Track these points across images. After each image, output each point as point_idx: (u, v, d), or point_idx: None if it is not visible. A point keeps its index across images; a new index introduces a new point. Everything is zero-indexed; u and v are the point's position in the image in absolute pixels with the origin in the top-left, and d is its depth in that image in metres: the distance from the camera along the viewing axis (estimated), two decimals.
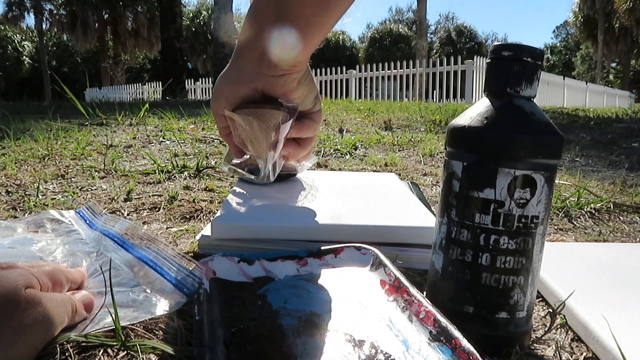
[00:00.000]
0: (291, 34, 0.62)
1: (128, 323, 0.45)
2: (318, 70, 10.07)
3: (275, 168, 0.74)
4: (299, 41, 0.62)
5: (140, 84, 14.72)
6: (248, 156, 0.76)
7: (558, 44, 40.39)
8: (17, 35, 27.61)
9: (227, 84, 0.70)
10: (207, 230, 0.69)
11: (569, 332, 0.51)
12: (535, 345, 0.49)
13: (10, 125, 1.87)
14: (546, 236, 0.48)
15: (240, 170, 0.80)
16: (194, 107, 3.47)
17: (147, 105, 2.33)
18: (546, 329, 0.52)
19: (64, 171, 1.21)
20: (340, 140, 1.94)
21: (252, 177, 0.79)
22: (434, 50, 32.56)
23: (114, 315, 0.43)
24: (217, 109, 0.72)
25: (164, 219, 0.85)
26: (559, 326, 0.52)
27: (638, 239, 0.88)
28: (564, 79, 11.88)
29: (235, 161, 0.78)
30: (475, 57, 8.42)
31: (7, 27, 25.50)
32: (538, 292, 0.59)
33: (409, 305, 0.49)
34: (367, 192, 0.89)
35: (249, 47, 0.66)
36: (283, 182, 0.94)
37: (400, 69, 9.13)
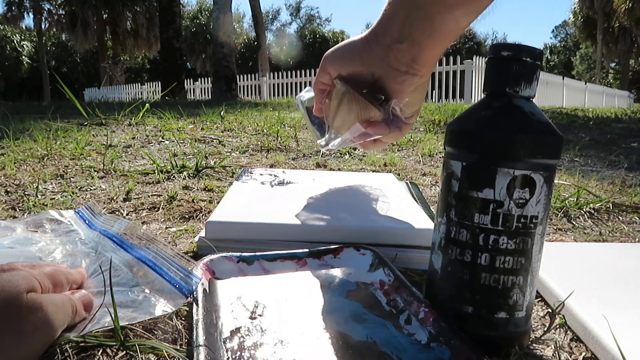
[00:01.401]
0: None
1: (127, 323, 0.45)
2: (317, 70, 10.05)
3: (339, 145, 0.74)
4: (432, 33, 0.61)
5: (139, 84, 14.72)
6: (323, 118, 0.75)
7: (557, 44, 40.41)
8: (17, 35, 27.59)
9: (352, 53, 0.68)
10: (204, 232, 0.69)
11: (568, 332, 0.51)
12: (534, 345, 0.49)
13: (10, 125, 1.87)
14: (545, 236, 0.48)
15: (307, 115, 0.80)
16: (193, 107, 3.47)
17: (147, 107, 2.33)
18: (545, 329, 0.52)
19: (63, 171, 1.21)
20: None
21: (317, 135, 0.77)
22: None
23: (113, 315, 0.43)
24: (329, 67, 0.70)
25: (163, 219, 0.85)
26: (558, 326, 0.52)
27: (637, 239, 0.88)
28: (563, 79, 11.88)
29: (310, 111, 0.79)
30: (474, 57, 8.41)
31: (6, 27, 25.49)
32: (537, 292, 0.59)
33: (408, 306, 0.49)
34: (365, 193, 0.89)
35: (385, 30, 0.64)
36: (284, 186, 0.94)
37: None
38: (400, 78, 0.65)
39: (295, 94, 10.04)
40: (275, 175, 1.00)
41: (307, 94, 0.86)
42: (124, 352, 0.43)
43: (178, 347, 0.44)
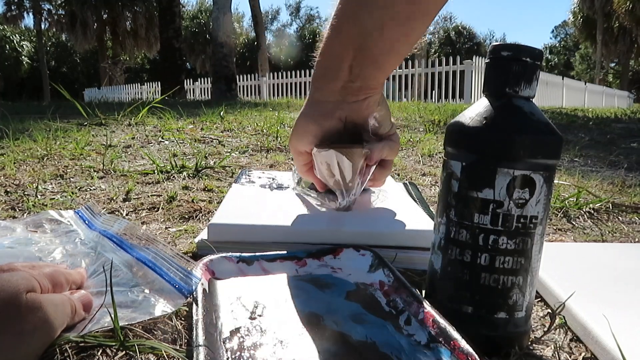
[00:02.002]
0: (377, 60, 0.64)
1: (127, 323, 0.45)
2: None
3: (357, 195, 0.75)
4: (381, 66, 0.65)
5: (139, 84, 14.71)
6: (329, 187, 0.76)
7: (557, 44, 40.40)
8: (16, 35, 27.59)
9: (311, 120, 0.70)
10: (205, 233, 0.69)
11: (568, 332, 0.51)
12: (534, 345, 0.49)
13: (9, 125, 1.87)
14: (545, 236, 0.48)
15: (314, 196, 0.81)
16: (193, 107, 3.47)
17: (147, 108, 2.33)
18: (545, 329, 0.52)
19: (63, 171, 1.21)
20: None
21: (332, 205, 0.77)
22: (433, 51, 32.54)
23: (112, 315, 0.43)
24: (299, 147, 0.73)
25: (162, 219, 0.85)
26: (558, 326, 0.52)
27: (637, 239, 0.88)
28: (562, 79, 11.89)
29: (314, 192, 0.81)
30: (474, 57, 8.42)
31: (6, 27, 25.49)
32: (537, 292, 0.59)
33: (408, 306, 0.49)
34: (364, 195, 0.89)
35: (329, 79, 0.67)
36: (283, 189, 0.94)
37: (399, 69, 9.12)
38: (364, 105, 0.68)
39: (295, 94, 10.06)
40: (273, 178, 1.00)
41: (298, 185, 0.88)
42: (124, 352, 0.43)
43: (178, 347, 0.44)
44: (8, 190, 1.00)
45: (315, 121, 0.70)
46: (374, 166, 0.73)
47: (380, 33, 0.61)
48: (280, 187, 0.93)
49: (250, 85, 11.48)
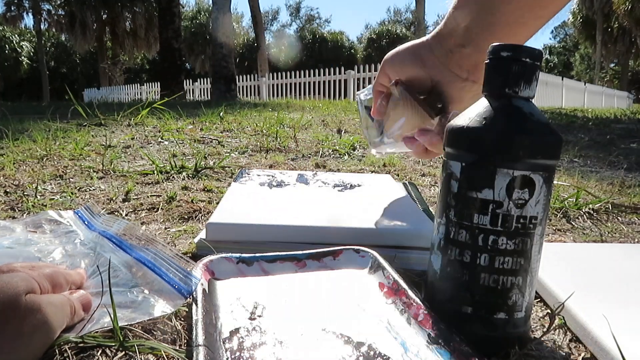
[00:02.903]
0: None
1: (126, 323, 0.45)
2: (316, 70, 10.07)
3: (390, 150, 0.74)
4: (500, 37, 0.60)
5: (138, 84, 14.72)
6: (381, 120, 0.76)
7: (556, 45, 40.41)
8: (16, 35, 27.56)
9: (413, 55, 0.67)
10: (204, 233, 0.69)
11: (568, 332, 0.51)
12: (533, 345, 0.49)
13: (9, 125, 1.87)
14: (545, 237, 0.48)
15: (368, 116, 0.79)
16: (193, 107, 3.47)
17: (147, 109, 2.33)
18: (545, 329, 0.52)
19: (63, 171, 1.21)
20: (338, 140, 1.94)
21: (372, 136, 0.77)
22: None
23: (112, 316, 0.43)
24: (388, 69, 0.70)
25: (162, 220, 0.85)
26: (557, 327, 0.52)
27: (636, 240, 0.88)
28: (562, 79, 11.89)
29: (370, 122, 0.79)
30: None
31: (5, 27, 25.47)
32: (536, 292, 0.59)
33: (407, 308, 0.49)
34: (364, 194, 0.89)
35: (449, 33, 0.64)
36: (282, 187, 0.94)
37: None
38: (459, 84, 0.65)
39: (295, 95, 10.06)
40: (272, 176, 1.00)
41: (365, 94, 0.86)
42: (123, 352, 0.43)
43: (177, 348, 0.44)
44: (7, 190, 1.00)
45: (414, 60, 0.67)
46: (416, 141, 0.70)
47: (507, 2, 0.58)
48: (279, 184, 0.93)
49: (250, 86, 11.48)
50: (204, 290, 0.50)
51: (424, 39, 0.67)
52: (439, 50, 0.65)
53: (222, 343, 0.43)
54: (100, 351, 0.43)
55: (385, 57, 0.72)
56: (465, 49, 0.62)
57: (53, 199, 0.96)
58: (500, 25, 0.61)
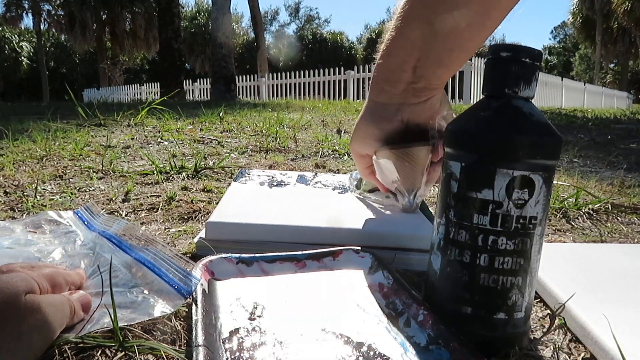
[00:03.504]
0: (445, 54, 0.62)
1: (126, 324, 0.45)
2: (316, 71, 10.08)
3: (422, 195, 0.75)
4: (447, 65, 0.64)
5: (138, 85, 14.72)
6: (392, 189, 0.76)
7: (556, 45, 40.43)
8: (15, 35, 27.56)
9: (371, 124, 0.69)
10: (203, 232, 0.69)
11: (568, 332, 0.51)
12: (533, 346, 0.49)
13: (9, 125, 1.87)
14: (544, 237, 0.48)
15: (376, 199, 0.82)
16: (192, 107, 3.47)
17: (146, 109, 2.33)
18: (545, 329, 0.52)
19: (62, 172, 1.21)
20: (338, 141, 1.94)
21: (397, 203, 0.77)
22: None
23: (112, 316, 0.43)
24: (361, 151, 0.73)
25: (162, 220, 0.85)
26: (557, 327, 0.52)
27: (636, 240, 0.88)
28: (562, 79, 11.89)
29: (375, 194, 0.82)
30: (473, 58, 8.42)
31: (5, 27, 25.47)
32: (536, 293, 0.59)
33: (407, 308, 0.49)
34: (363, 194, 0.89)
35: (391, 82, 0.66)
36: (282, 187, 0.94)
37: None
38: (426, 106, 0.66)
39: (294, 95, 10.06)
40: (272, 177, 1.00)
41: (355, 185, 0.89)
42: (123, 352, 0.43)
43: (177, 348, 0.44)
44: (7, 190, 1.00)
45: (376, 125, 0.69)
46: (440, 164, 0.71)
47: (448, 34, 0.60)
48: (279, 184, 0.93)
49: (250, 86, 11.48)
50: (203, 290, 0.50)
51: (365, 107, 0.71)
52: (391, 99, 0.67)
53: (221, 343, 0.43)
54: (100, 351, 0.43)
55: (350, 147, 0.76)
56: (418, 84, 0.64)
57: (53, 199, 0.96)
58: (445, 58, 0.63)
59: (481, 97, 0.49)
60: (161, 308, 0.47)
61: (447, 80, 0.67)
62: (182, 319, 0.49)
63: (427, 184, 0.73)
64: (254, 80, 11.46)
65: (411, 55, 0.62)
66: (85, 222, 0.70)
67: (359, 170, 0.77)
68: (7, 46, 26.69)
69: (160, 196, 0.99)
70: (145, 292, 0.50)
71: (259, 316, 0.48)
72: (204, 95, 12.23)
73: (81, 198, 0.98)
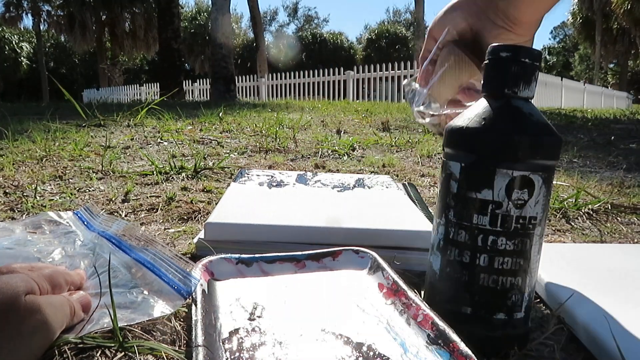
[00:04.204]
0: None
1: (125, 324, 0.45)
2: (315, 71, 10.07)
3: (441, 119, 0.69)
4: None
5: (138, 85, 14.71)
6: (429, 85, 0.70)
7: (556, 45, 40.43)
8: (15, 36, 27.55)
9: (455, 8, 0.65)
10: (203, 233, 0.69)
11: (567, 333, 0.51)
12: (533, 346, 0.49)
13: (8, 126, 1.87)
14: (544, 237, 0.48)
15: (414, 95, 0.73)
16: (192, 108, 3.47)
17: (146, 110, 2.33)
18: (544, 329, 0.52)
19: (62, 172, 1.21)
20: (338, 141, 1.94)
21: (423, 110, 0.70)
22: None
23: (111, 316, 0.43)
24: (434, 32, 0.68)
25: (161, 220, 0.85)
26: (557, 327, 0.52)
27: (636, 240, 0.88)
28: (561, 79, 11.89)
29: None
30: None
31: (4, 28, 25.46)
32: (536, 293, 0.59)
33: (406, 308, 0.49)
34: (363, 195, 0.89)
35: None
36: (282, 187, 0.94)
37: (398, 70, 9.13)
38: (495, 31, 0.62)
39: (294, 95, 10.06)
40: (272, 176, 1.00)
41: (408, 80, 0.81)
42: (123, 353, 0.43)
43: (177, 348, 0.44)
44: (7, 191, 1.00)
45: (455, 11, 0.65)
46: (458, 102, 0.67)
47: None
48: (279, 184, 0.93)
49: (249, 86, 11.47)
50: (203, 290, 0.50)
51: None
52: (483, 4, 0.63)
53: (221, 344, 0.43)
54: (99, 352, 0.43)
55: (436, 16, 0.70)
56: (502, 1, 0.61)
57: (52, 199, 0.96)
58: None
59: (481, 98, 0.49)
60: (161, 308, 0.47)
61: (528, 22, 0.62)
62: (181, 320, 0.49)
63: (449, 103, 0.68)
64: (253, 80, 11.46)
65: None
66: (85, 223, 0.70)
67: (423, 49, 0.71)
68: (6, 46, 26.69)
69: (160, 196, 0.99)
70: (145, 292, 0.50)
71: (259, 316, 0.48)
72: (203, 95, 12.22)
73: (81, 198, 0.98)
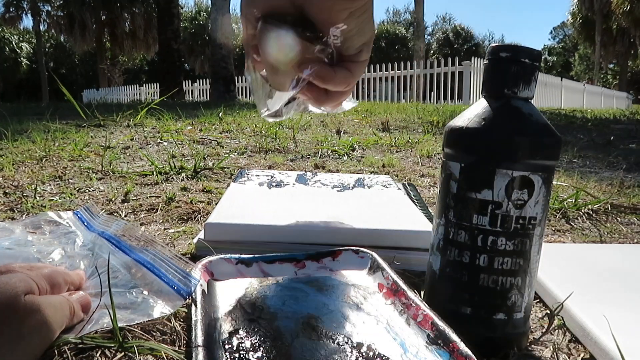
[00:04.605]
0: None
1: (125, 324, 0.45)
2: None
3: (291, 106, 0.60)
4: None
5: (137, 85, 14.71)
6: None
7: (556, 45, 40.46)
8: (15, 36, 27.57)
9: None
10: (203, 234, 0.69)
11: (567, 333, 0.51)
12: (533, 346, 0.49)
13: (8, 126, 1.87)
14: (544, 237, 0.48)
15: (257, 87, 0.62)
16: (192, 108, 3.47)
17: (145, 110, 2.33)
18: (544, 330, 0.52)
19: (62, 172, 1.21)
20: (337, 141, 1.94)
21: (265, 108, 0.61)
22: (432, 52, 32.55)
23: (111, 316, 0.43)
24: (248, 10, 0.56)
25: (161, 220, 0.85)
26: (556, 327, 0.52)
27: (635, 240, 0.88)
28: (561, 80, 11.90)
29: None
30: (472, 58, 8.42)
31: (4, 28, 25.46)
32: (536, 293, 0.59)
33: (406, 309, 0.49)
34: (363, 195, 0.89)
35: None
36: (281, 187, 0.94)
37: (398, 70, 9.14)
38: (327, 3, 0.51)
39: None
40: (272, 176, 1.00)
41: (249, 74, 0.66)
42: (123, 353, 0.43)
43: (177, 349, 0.44)
44: (7, 191, 1.00)
45: None
46: (304, 80, 0.56)
47: None
48: (279, 184, 0.93)
49: (249, 87, 11.45)
50: (203, 291, 0.50)
51: None
52: None
53: (221, 344, 0.43)
54: (99, 352, 0.43)
55: (242, 2, 0.58)
56: None
57: (52, 200, 0.96)
58: None
59: (480, 98, 0.49)
60: (161, 309, 0.47)
61: None
62: (181, 320, 0.49)
63: (293, 93, 0.58)
64: None
65: None
66: (85, 223, 0.70)
67: (244, 36, 0.59)
68: (6, 47, 26.69)
69: (160, 197, 0.99)
70: (145, 292, 0.50)
71: (259, 317, 0.48)
72: (203, 95, 12.22)
73: (81, 199, 0.98)
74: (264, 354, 0.41)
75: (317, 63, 0.55)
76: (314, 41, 0.54)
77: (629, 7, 19.77)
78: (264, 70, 0.59)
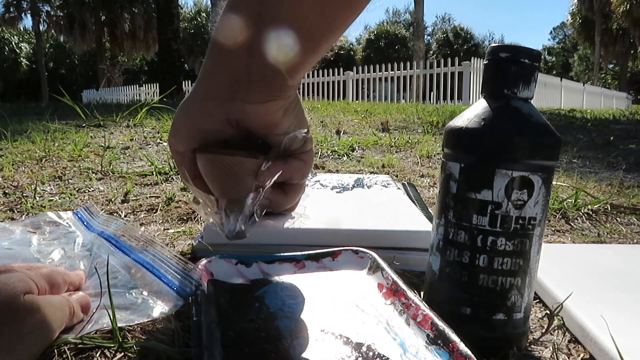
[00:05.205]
0: (287, 36, 0.47)
1: (125, 324, 0.45)
2: (315, 71, 10.07)
3: (249, 222, 0.58)
4: (297, 45, 0.48)
5: (137, 86, 14.71)
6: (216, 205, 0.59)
7: (555, 45, 40.49)
8: (15, 36, 27.58)
9: (187, 116, 0.55)
10: (203, 235, 0.69)
11: (567, 333, 0.51)
12: (532, 346, 0.49)
13: (8, 126, 1.87)
14: (543, 237, 0.48)
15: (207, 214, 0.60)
16: None
17: (145, 110, 2.33)
18: (544, 330, 0.52)
19: (62, 172, 1.21)
20: (337, 141, 1.94)
21: (223, 231, 0.59)
22: (431, 52, 32.57)
23: (111, 317, 0.43)
24: (175, 147, 0.57)
25: (161, 221, 0.85)
26: (556, 327, 0.52)
27: (635, 241, 0.88)
28: (561, 80, 11.90)
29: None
30: (472, 58, 8.42)
31: (4, 28, 25.46)
32: (535, 293, 0.59)
33: (406, 309, 0.49)
34: (363, 195, 0.89)
35: (219, 66, 0.52)
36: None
37: (398, 70, 9.14)
38: (262, 110, 0.52)
39: None
40: None
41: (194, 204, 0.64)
42: (122, 353, 0.43)
43: (176, 349, 0.44)
44: (6, 191, 1.00)
45: (193, 117, 0.54)
46: (267, 187, 0.56)
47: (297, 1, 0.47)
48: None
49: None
50: (202, 291, 0.50)
51: (192, 90, 0.57)
52: (216, 90, 0.53)
53: (221, 344, 0.43)
54: (99, 352, 0.43)
55: (168, 139, 0.59)
56: (252, 76, 0.50)
57: (52, 200, 0.96)
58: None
59: (480, 98, 0.49)
60: (160, 309, 0.47)
61: (296, 80, 0.52)
62: (181, 320, 0.49)
63: (252, 206, 0.57)
64: None
65: (247, 28, 0.48)
66: (85, 223, 0.70)
67: (180, 173, 0.59)
68: (6, 47, 26.69)
69: (160, 197, 0.99)
70: (145, 293, 0.50)
71: (258, 317, 0.48)
72: None
73: (80, 199, 0.98)
74: (264, 355, 0.41)
75: (268, 168, 0.56)
76: (259, 155, 0.55)
77: (628, 7, 19.78)
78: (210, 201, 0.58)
